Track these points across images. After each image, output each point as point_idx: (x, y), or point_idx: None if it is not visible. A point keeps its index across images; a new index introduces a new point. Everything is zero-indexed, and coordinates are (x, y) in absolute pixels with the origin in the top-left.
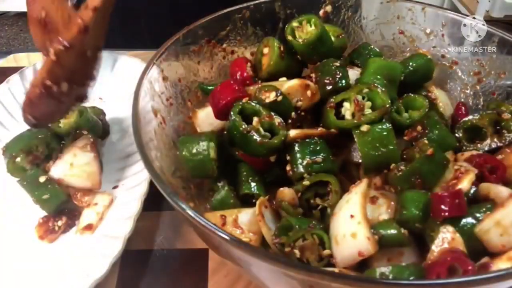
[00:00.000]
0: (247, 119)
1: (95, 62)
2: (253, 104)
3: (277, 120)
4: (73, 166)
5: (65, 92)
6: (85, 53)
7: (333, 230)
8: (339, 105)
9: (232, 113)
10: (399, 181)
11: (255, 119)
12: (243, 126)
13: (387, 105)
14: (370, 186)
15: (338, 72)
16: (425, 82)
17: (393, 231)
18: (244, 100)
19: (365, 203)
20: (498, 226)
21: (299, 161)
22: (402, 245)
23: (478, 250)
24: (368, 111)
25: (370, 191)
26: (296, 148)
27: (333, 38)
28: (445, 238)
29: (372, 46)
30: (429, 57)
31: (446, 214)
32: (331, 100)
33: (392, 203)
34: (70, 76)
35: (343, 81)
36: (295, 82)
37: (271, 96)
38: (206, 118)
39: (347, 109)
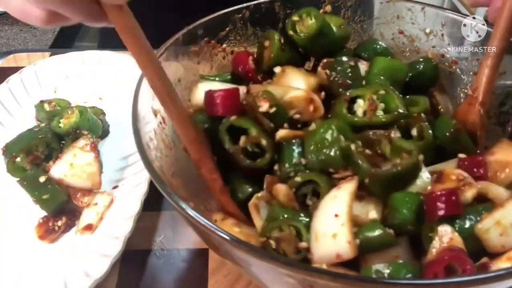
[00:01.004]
0: (238, 131)
1: None
2: (242, 121)
3: (264, 142)
4: (73, 166)
5: None
6: None
7: (315, 225)
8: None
9: (220, 128)
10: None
11: (242, 138)
12: (229, 147)
13: (400, 111)
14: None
15: (352, 73)
16: (430, 86)
17: (378, 232)
18: (232, 119)
19: (353, 203)
20: (498, 226)
21: (287, 160)
22: (390, 245)
23: (477, 251)
24: (380, 112)
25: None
26: (284, 148)
27: (334, 29)
28: (444, 238)
29: (379, 42)
30: (435, 62)
31: (442, 213)
32: (347, 93)
33: (379, 201)
34: None
35: (357, 83)
36: (300, 94)
37: (264, 107)
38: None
39: (360, 106)
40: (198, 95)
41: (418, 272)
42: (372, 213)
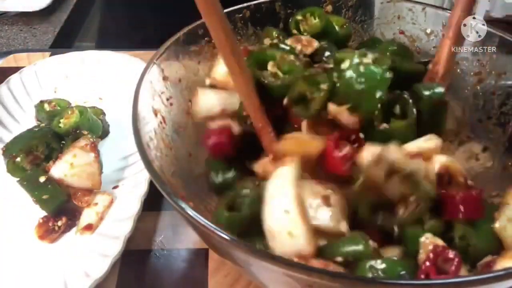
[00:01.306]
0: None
1: None
2: (267, 52)
3: (292, 58)
4: (73, 166)
5: None
6: None
7: (268, 222)
8: None
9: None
10: None
11: (270, 63)
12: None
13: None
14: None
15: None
16: None
17: (359, 247)
18: (256, 50)
19: (299, 191)
20: (511, 222)
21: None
22: (369, 258)
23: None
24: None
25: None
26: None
27: (337, 28)
28: (426, 243)
29: (381, 40)
30: None
31: (464, 216)
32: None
33: (343, 200)
34: None
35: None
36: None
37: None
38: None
39: None
40: (203, 103)
41: (413, 269)
42: (342, 225)
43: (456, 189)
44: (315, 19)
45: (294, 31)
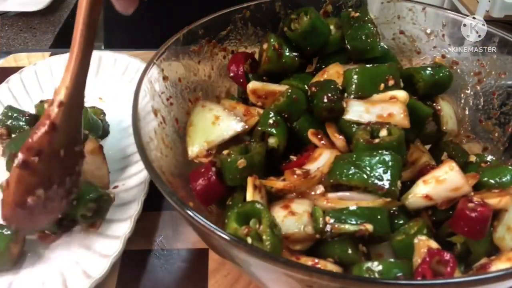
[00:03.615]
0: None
1: (73, 158)
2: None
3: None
4: (84, 172)
5: (43, 198)
6: (58, 153)
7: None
8: None
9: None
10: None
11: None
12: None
13: None
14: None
15: (336, 94)
16: (439, 94)
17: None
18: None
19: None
20: (509, 231)
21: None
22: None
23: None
24: None
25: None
26: None
27: (334, 30)
28: (421, 244)
29: (380, 42)
30: (448, 69)
31: (466, 232)
32: None
33: (309, 207)
34: (46, 181)
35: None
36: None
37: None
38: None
39: None
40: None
41: (409, 271)
42: (309, 227)
43: (471, 207)
44: (306, 17)
45: (285, 28)
